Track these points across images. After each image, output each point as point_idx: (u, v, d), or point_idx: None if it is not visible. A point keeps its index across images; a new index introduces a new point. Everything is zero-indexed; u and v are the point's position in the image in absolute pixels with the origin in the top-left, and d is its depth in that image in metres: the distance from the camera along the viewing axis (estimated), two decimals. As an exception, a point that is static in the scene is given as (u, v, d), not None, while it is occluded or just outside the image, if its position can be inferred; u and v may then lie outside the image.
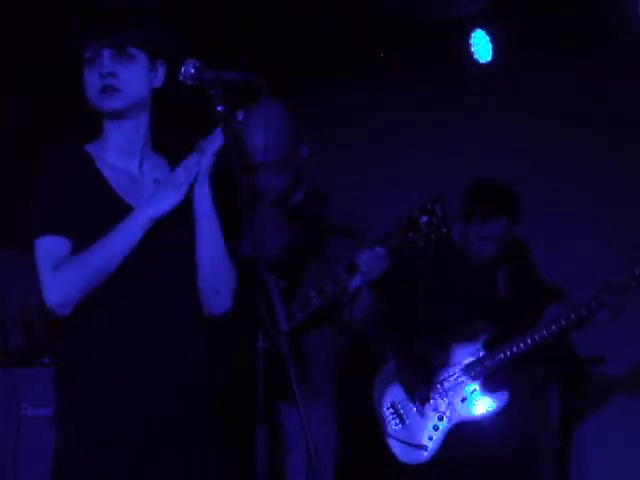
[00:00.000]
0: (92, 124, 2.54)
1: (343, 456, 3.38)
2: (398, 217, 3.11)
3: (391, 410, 3.92)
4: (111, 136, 2.51)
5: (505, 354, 3.83)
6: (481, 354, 3.87)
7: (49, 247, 2.39)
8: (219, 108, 2.32)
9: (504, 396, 3.84)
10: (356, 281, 3.17)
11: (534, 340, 3.78)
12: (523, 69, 5.03)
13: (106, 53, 2.43)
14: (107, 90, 2.42)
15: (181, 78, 2.37)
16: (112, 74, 2.42)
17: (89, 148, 2.51)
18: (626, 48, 4.71)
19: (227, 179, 2.39)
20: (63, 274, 2.34)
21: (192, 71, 2.34)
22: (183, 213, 2.44)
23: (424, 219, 3.06)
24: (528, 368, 4.06)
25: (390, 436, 3.91)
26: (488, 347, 3.87)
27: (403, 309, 3.99)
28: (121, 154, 2.50)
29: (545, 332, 3.77)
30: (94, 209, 2.42)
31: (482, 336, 3.88)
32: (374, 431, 3.95)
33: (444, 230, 3.09)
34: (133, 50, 2.44)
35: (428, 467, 3.85)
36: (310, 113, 5.68)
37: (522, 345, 3.80)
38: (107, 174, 2.47)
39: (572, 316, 3.75)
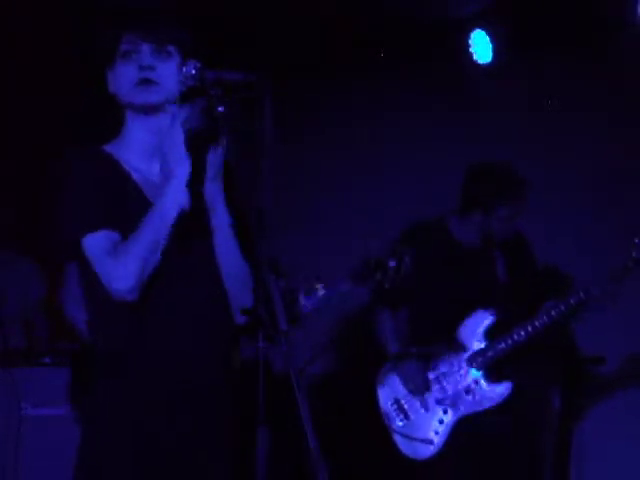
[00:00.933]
0: (100, 125, 2.52)
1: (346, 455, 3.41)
2: (366, 259, 3.17)
3: (395, 406, 3.94)
4: (135, 135, 2.49)
5: (507, 343, 3.83)
6: (483, 344, 3.87)
7: (101, 242, 2.34)
8: (219, 108, 2.32)
9: (508, 386, 3.83)
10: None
11: (534, 327, 3.79)
12: (523, 69, 5.03)
13: (146, 48, 2.43)
14: (145, 83, 2.40)
15: (182, 79, 2.38)
16: (152, 67, 2.41)
17: (109, 149, 2.48)
18: (626, 48, 4.71)
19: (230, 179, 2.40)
20: (125, 258, 2.30)
21: (193, 72, 2.34)
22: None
23: (392, 263, 3.11)
24: (530, 357, 4.05)
25: (395, 432, 3.92)
26: (489, 337, 3.87)
27: (404, 306, 4.01)
28: (144, 155, 2.47)
29: (545, 318, 3.78)
30: (128, 211, 2.39)
31: (483, 326, 3.88)
32: (380, 428, 3.95)
33: (404, 279, 3.15)
34: (171, 47, 2.44)
35: (435, 461, 3.85)
36: (310, 113, 5.70)
37: (523, 333, 3.80)
38: (135, 177, 2.44)
39: (571, 301, 3.77)
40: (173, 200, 2.33)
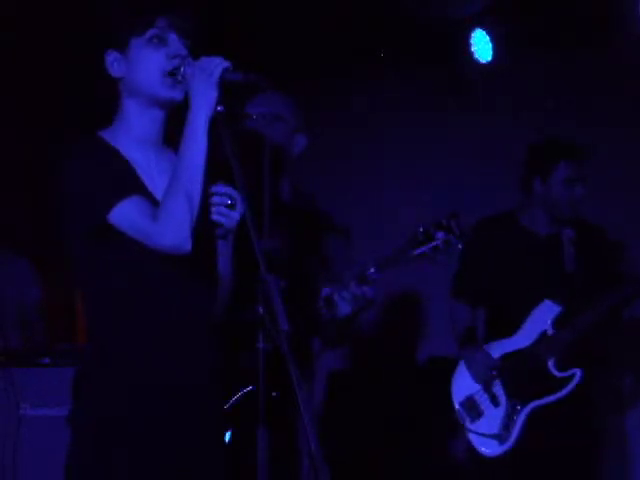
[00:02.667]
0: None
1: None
2: (413, 233, 3.10)
3: (466, 404, 3.92)
4: (135, 123, 2.43)
5: (574, 331, 3.80)
6: (550, 332, 3.84)
7: (138, 205, 2.29)
8: (219, 108, 2.30)
9: (577, 374, 3.80)
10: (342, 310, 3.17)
11: (596, 317, 3.78)
12: (523, 69, 5.03)
13: (174, 36, 2.37)
14: (174, 76, 2.34)
15: (180, 78, 2.36)
16: (180, 57, 2.35)
17: (105, 136, 2.42)
18: (626, 47, 4.70)
19: (223, 179, 2.38)
20: (164, 213, 2.25)
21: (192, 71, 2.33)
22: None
23: (440, 235, 3.05)
24: (597, 344, 4.02)
25: (468, 430, 3.90)
26: (557, 326, 3.83)
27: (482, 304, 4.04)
28: (142, 144, 2.43)
29: (608, 301, 3.79)
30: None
31: (551, 316, 3.84)
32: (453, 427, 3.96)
33: (460, 247, 3.08)
34: (189, 41, 2.39)
35: (507, 457, 3.82)
36: (309, 113, 5.68)
37: (587, 322, 3.78)
38: (133, 164, 2.39)
39: (627, 290, 3.80)
40: (204, 118, 2.27)
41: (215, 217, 2.37)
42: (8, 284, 4.65)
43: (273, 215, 3.14)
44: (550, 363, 3.82)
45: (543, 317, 3.85)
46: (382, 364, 5.39)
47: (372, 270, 3.13)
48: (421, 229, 3.04)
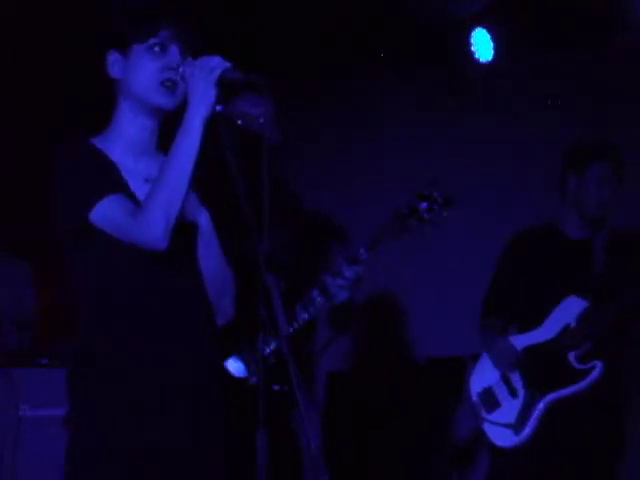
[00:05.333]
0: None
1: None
2: (397, 208, 3.13)
3: (484, 395, 3.90)
4: (127, 130, 2.45)
5: (597, 325, 3.76)
6: (573, 326, 3.81)
7: (119, 203, 2.30)
8: (218, 108, 2.30)
9: (597, 366, 3.75)
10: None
11: (621, 308, 3.75)
12: (523, 69, 5.03)
13: (175, 48, 2.39)
14: (170, 85, 2.36)
15: (179, 78, 2.36)
16: (177, 70, 2.36)
17: (97, 142, 2.43)
18: (626, 47, 4.70)
19: (222, 178, 2.38)
20: (145, 210, 2.26)
21: None
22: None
23: (423, 205, 3.07)
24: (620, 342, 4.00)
25: (485, 420, 3.86)
26: (581, 320, 3.80)
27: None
28: (133, 150, 2.44)
29: (630, 298, 3.74)
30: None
31: (575, 311, 3.81)
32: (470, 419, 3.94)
33: (445, 215, 3.09)
34: (192, 52, 2.39)
35: (525, 449, 3.78)
36: (309, 113, 5.69)
37: (612, 316, 3.75)
38: (122, 171, 2.40)
39: None
40: (199, 117, 2.26)
41: None
42: (6, 285, 4.65)
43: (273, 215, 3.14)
44: (571, 356, 3.81)
45: (568, 311, 3.84)
46: (382, 364, 5.39)
47: (362, 251, 3.17)
48: (405, 204, 3.08)
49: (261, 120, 2.96)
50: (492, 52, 5.04)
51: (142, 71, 2.39)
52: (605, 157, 3.90)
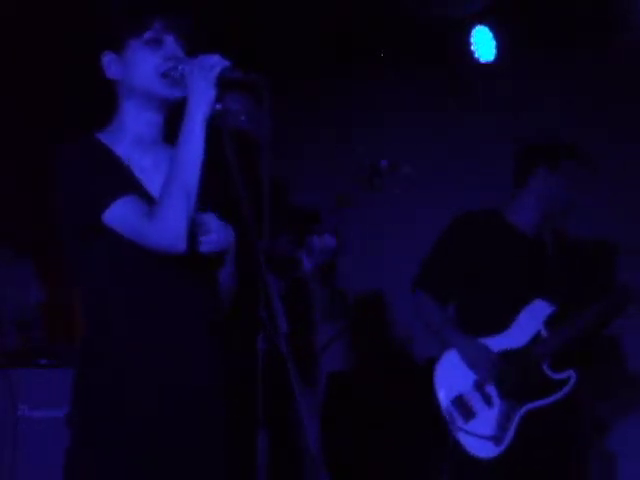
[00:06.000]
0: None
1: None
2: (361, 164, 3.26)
3: (457, 403, 3.81)
4: (131, 126, 2.44)
5: (568, 332, 3.77)
6: (543, 333, 3.80)
7: (133, 204, 2.29)
8: (217, 106, 2.29)
9: (572, 375, 3.76)
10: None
11: (593, 316, 3.76)
12: (523, 68, 5.02)
13: (171, 38, 2.38)
14: (172, 76, 2.35)
15: (179, 77, 2.35)
16: (177, 58, 2.36)
17: (102, 138, 2.42)
18: (626, 47, 4.70)
19: (223, 177, 2.37)
20: (158, 211, 2.24)
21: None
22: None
23: (383, 162, 3.13)
24: (593, 347, 4.01)
25: (460, 430, 3.77)
26: (549, 326, 3.80)
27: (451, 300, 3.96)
28: (138, 146, 2.43)
29: (593, 316, 3.76)
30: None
31: (543, 314, 3.81)
32: (443, 428, 3.84)
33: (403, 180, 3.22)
34: (188, 41, 2.40)
35: (502, 459, 3.74)
36: (309, 113, 5.69)
37: (580, 325, 3.76)
38: (130, 166, 2.39)
39: (614, 300, 3.78)
40: (201, 116, 2.26)
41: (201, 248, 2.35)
42: (8, 284, 4.65)
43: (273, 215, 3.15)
44: (545, 365, 3.79)
45: (536, 316, 3.81)
46: (382, 364, 5.39)
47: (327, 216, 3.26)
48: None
49: (242, 117, 2.96)
50: (493, 51, 5.04)
51: (141, 65, 2.38)
52: (582, 160, 3.90)
